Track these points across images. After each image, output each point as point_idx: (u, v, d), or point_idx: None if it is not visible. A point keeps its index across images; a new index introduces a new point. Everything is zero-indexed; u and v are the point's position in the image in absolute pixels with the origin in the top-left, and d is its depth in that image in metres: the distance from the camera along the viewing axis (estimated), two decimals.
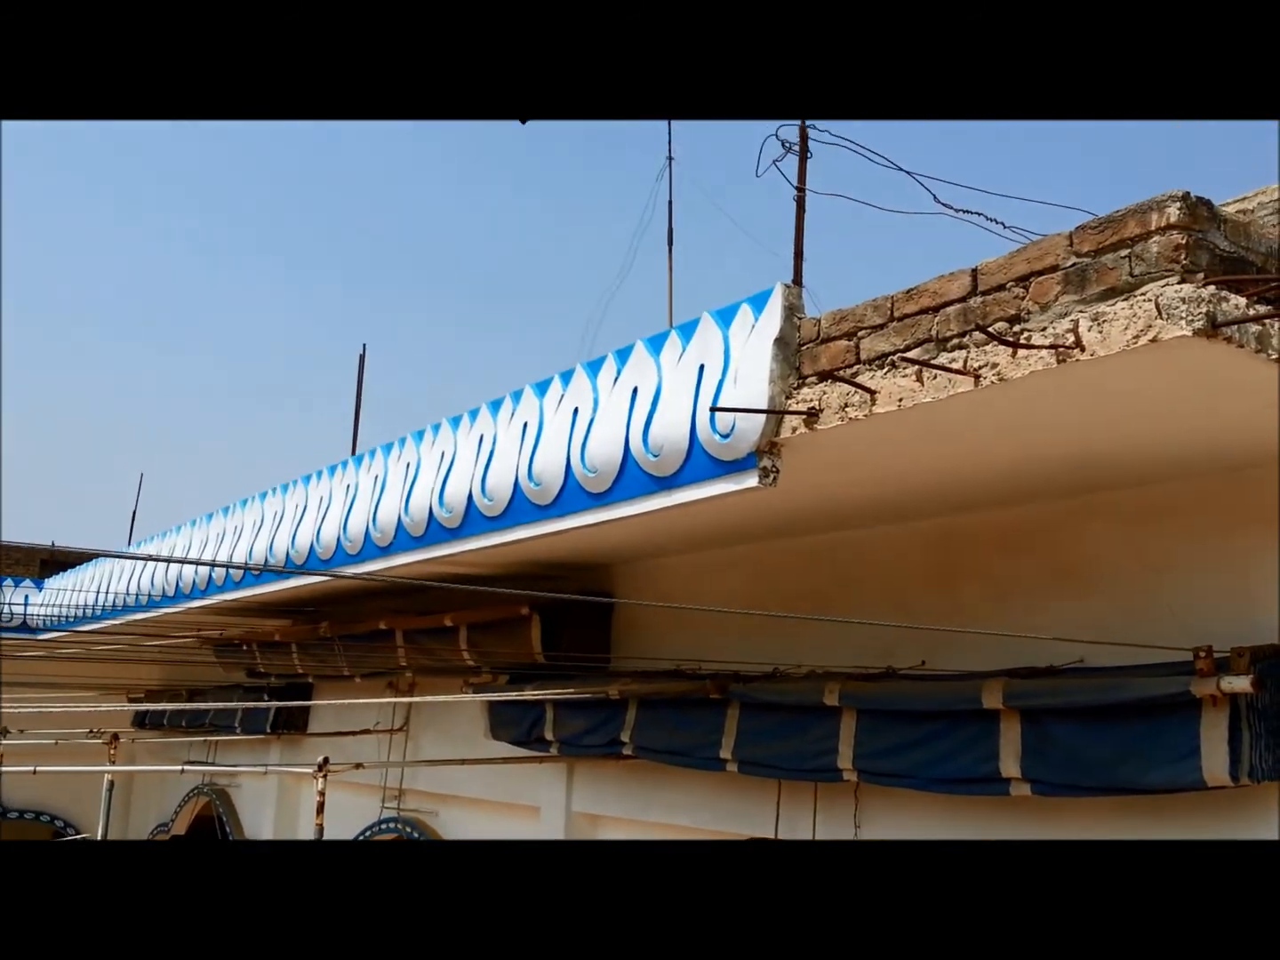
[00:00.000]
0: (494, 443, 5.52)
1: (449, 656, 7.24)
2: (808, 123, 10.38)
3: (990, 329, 3.36)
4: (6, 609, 13.02)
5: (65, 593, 11.81)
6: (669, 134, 9.80)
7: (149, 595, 9.58)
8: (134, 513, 17.23)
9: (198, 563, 8.96)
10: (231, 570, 8.13)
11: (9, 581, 13.27)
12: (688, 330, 4.44)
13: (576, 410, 4.95)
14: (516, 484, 5.25)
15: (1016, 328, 3.34)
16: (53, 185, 39.31)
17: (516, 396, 5.46)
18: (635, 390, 4.61)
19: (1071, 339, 3.15)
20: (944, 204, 10.35)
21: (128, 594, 10.04)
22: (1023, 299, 3.35)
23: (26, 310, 38.71)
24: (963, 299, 3.53)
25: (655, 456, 4.44)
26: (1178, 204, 3.03)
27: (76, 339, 39.66)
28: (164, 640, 9.93)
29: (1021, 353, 3.27)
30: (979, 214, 10.17)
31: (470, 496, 5.59)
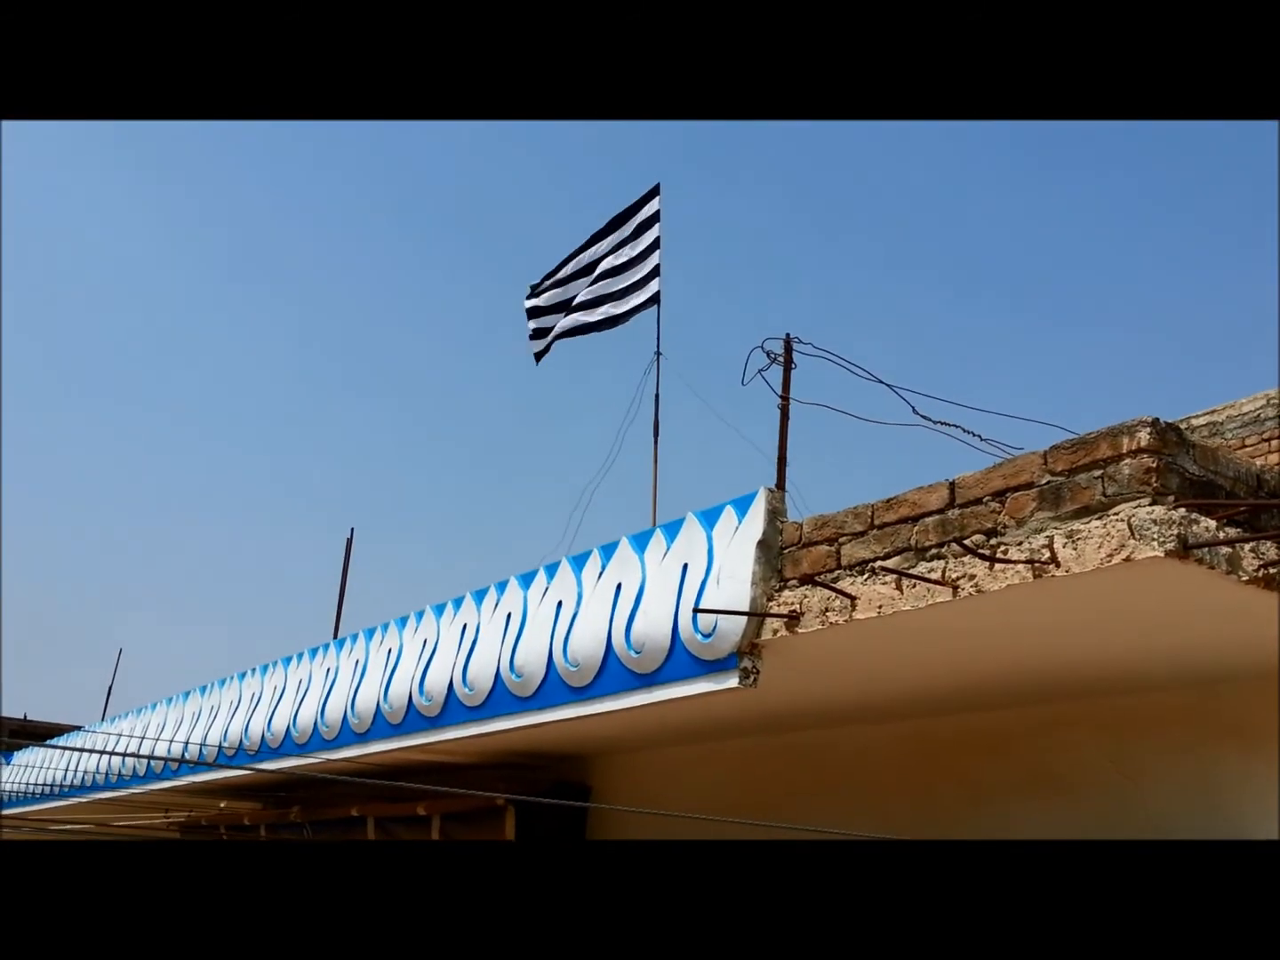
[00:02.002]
0: (477, 632, 5.52)
1: None
2: (792, 336, 10.77)
3: (968, 541, 3.43)
4: None
5: (34, 769, 11.52)
6: (658, 328, 10.13)
7: (119, 774, 9.36)
8: (110, 687, 16.93)
9: (159, 757, 8.80)
10: (204, 753, 7.97)
11: None
12: (672, 529, 4.50)
13: (560, 604, 4.97)
14: (498, 675, 5.22)
15: (993, 541, 3.41)
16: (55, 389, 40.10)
17: (501, 587, 5.48)
18: (619, 586, 4.65)
19: (1047, 554, 3.21)
20: (922, 415, 10.70)
21: (97, 771, 9.81)
22: (999, 513, 3.43)
23: (14, 475, 38.97)
24: (941, 510, 3.60)
25: (637, 653, 4.44)
26: (1148, 429, 3.14)
27: (70, 503, 39.82)
28: (131, 821, 9.65)
29: (999, 566, 3.33)
30: (956, 426, 10.51)
31: (451, 685, 5.55)
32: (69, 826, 9.52)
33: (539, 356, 10.95)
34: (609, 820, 6.47)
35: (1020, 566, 3.27)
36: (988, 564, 3.34)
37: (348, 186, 40.62)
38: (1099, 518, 3.16)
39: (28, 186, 38.76)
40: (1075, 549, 3.15)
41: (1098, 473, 3.22)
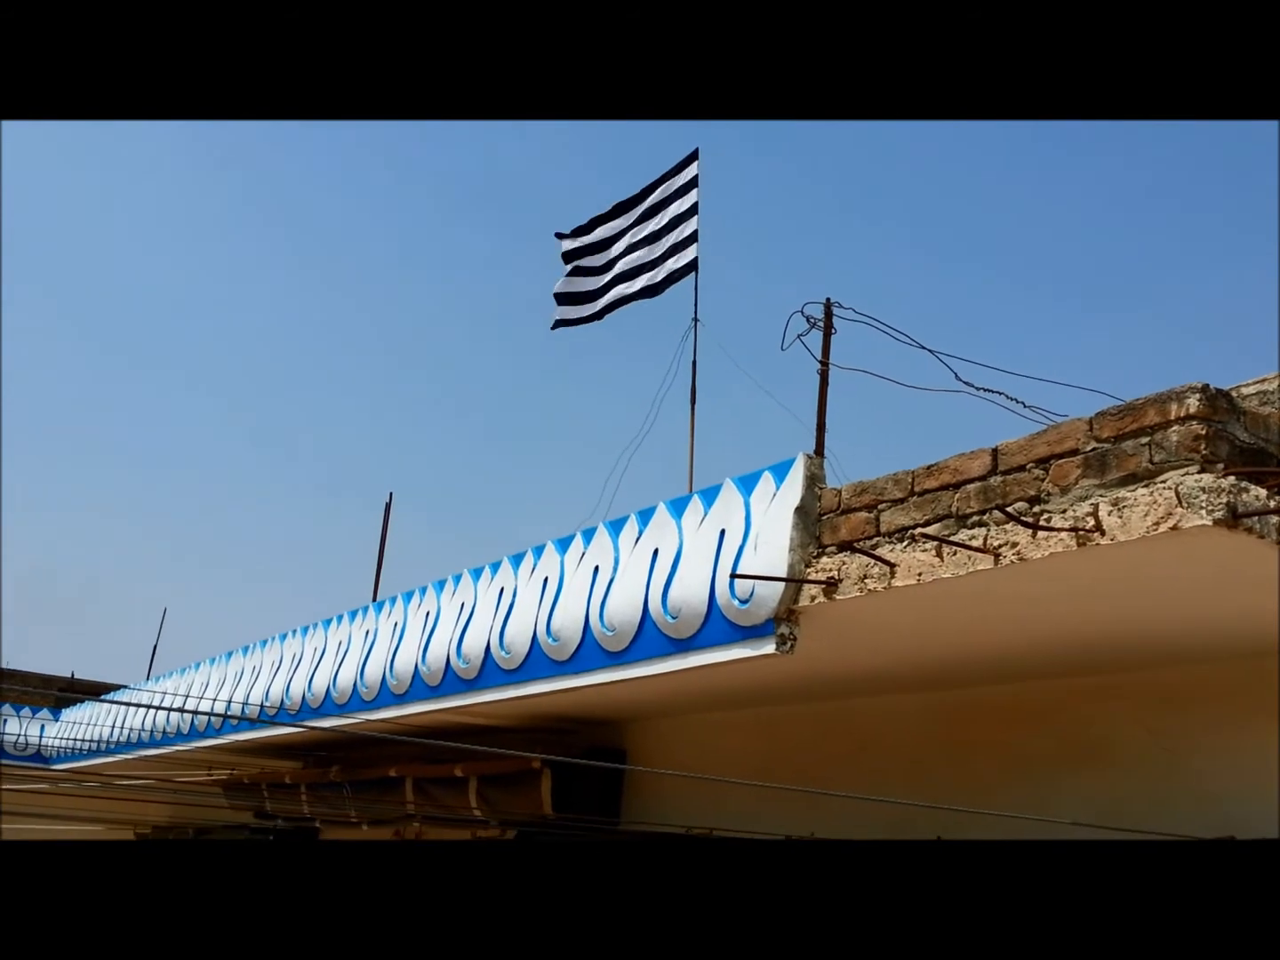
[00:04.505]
0: (514, 596, 5.53)
1: (458, 808, 7.11)
2: (833, 300, 10.65)
3: (1010, 509, 3.38)
4: (21, 738, 12.95)
5: (81, 725, 11.75)
6: (695, 294, 10.02)
7: (163, 731, 9.51)
8: (155, 647, 17.18)
9: (209, 713, 8.92)
10: (246, 711, 8.07)
11: (26, 710, 13.23)
12: (710, 495, 4.47)
13: (597, 568, 4.97)
14: (535, 639, 5.23)
15: (1036, 508, 3.35)
16: (81, 348, 40.56)
17: (538, 551, 5.48)
18: (656, 552, 4.63)
19: (1092, 522, 3.16)
20: (965, 382, 10.53)
21: (142, 729, 9.97)
22: (1043, 480, 3.37)
23: (64, 439, 39.53)
24: (983, 477, 3.55)
25: (674, 618, 4.43)
26: (1197, 395, 3.07)
27: (111, 470, 40.33)
28: (175, 777, 9.81)
29: (1041, 534, 3.27)
30: (999, 393, 10.32)
31: (488, 649, 5.57)
32: (132, 782, 9.68)
33: (563, 323, 10.83)
34: (644, 784, 6.49)
35: (1064, 534, 3.21)
36: (1030, 532, 3.29)
37: (385, 165, 40.62)
38: (1145, 485, 3.10)
39: (77, 180, 39.07)
40: (1121, 517, 3.09)
41: (1145, 440, 3.15)
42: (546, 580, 5.32)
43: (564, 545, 5.31)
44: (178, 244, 40.71)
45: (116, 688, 13.74)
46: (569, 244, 11.10)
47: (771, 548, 4.04)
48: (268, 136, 40.67)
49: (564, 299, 11.00)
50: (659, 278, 10.46)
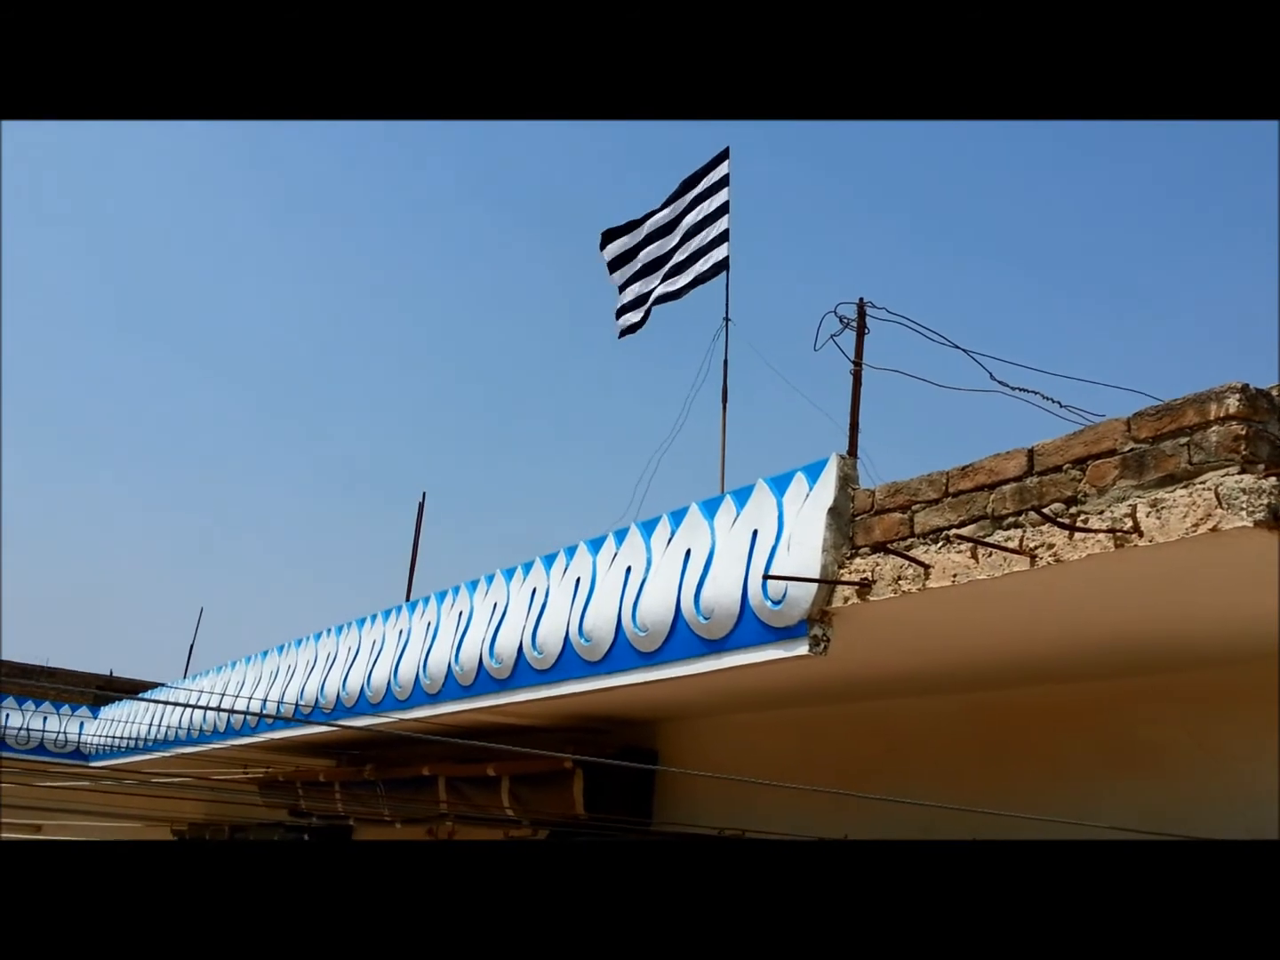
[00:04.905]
0: (546, 596, 5.53)
1: (490, 807, 7.13)
2: (865, 300, 10.58)
3: (1047, 510, 3.35)
4: (61, 734, 13.10)
5: (119, 723, 11.87)
6: (726, 294, 9.99)
7: (200, 729, 9.60)
8: (191, 646, 17.33)
9: (244, 712, 8.99)
10: (281, 710, 8.13)
11: (66, 708, 13.39)
12: (742, 496, 4.46)
13: (630, 569, 4.96)
14: (567, 639, 5.23)
15: (1073, 509, 3.32)
16: (119, 346, 40.97)
17: (570, 552, 5.48)
18: (689, 552, 4.62)
19: (1130, 524, 3.12)
20: (999, 381, 10.40)
21: (179, 727, 10.06)
22: (1080, 481, 3.34)
23: (103, 443, 40.01)
24: (1019, 478, 3.52)
25: (706, 619, 4.42)
26: (1237, 395, 3.02)
27: (147, 470, 40.77)
28: (211, 775, 9.90)
29: (1079, 535, 3.24)
30: (1035, 392, 10.18)
31: (520, 648, 5.57)
32: (171, 780, 9.78)
33: (627, 331, 10.86)
34: (676, 785, 6.48)
35: (1101, 536, 3.18)
36: (1067, 533, 3.26)
37: (433, 171, 40.86)
38: (1184, 486, 3.06)
39: (147, 179, 39.50)
40: (1159, 518, 3.06)
41: (1184, 440, 3.11)
42: (579, 580, 5.33)
43: (596, 546, 5.31)
44: (222, 243, 41.14)
45: (154, 686, 13.88)
46: (612, 250, 11.12)
47: (804, 548, 4.02)
48: (314, 138, 40.96)
49: (623, 310, 11.05)
50: (690, 277, 10.44)
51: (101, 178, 40.54)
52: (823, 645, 4.02)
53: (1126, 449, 3.24)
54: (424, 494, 13.83)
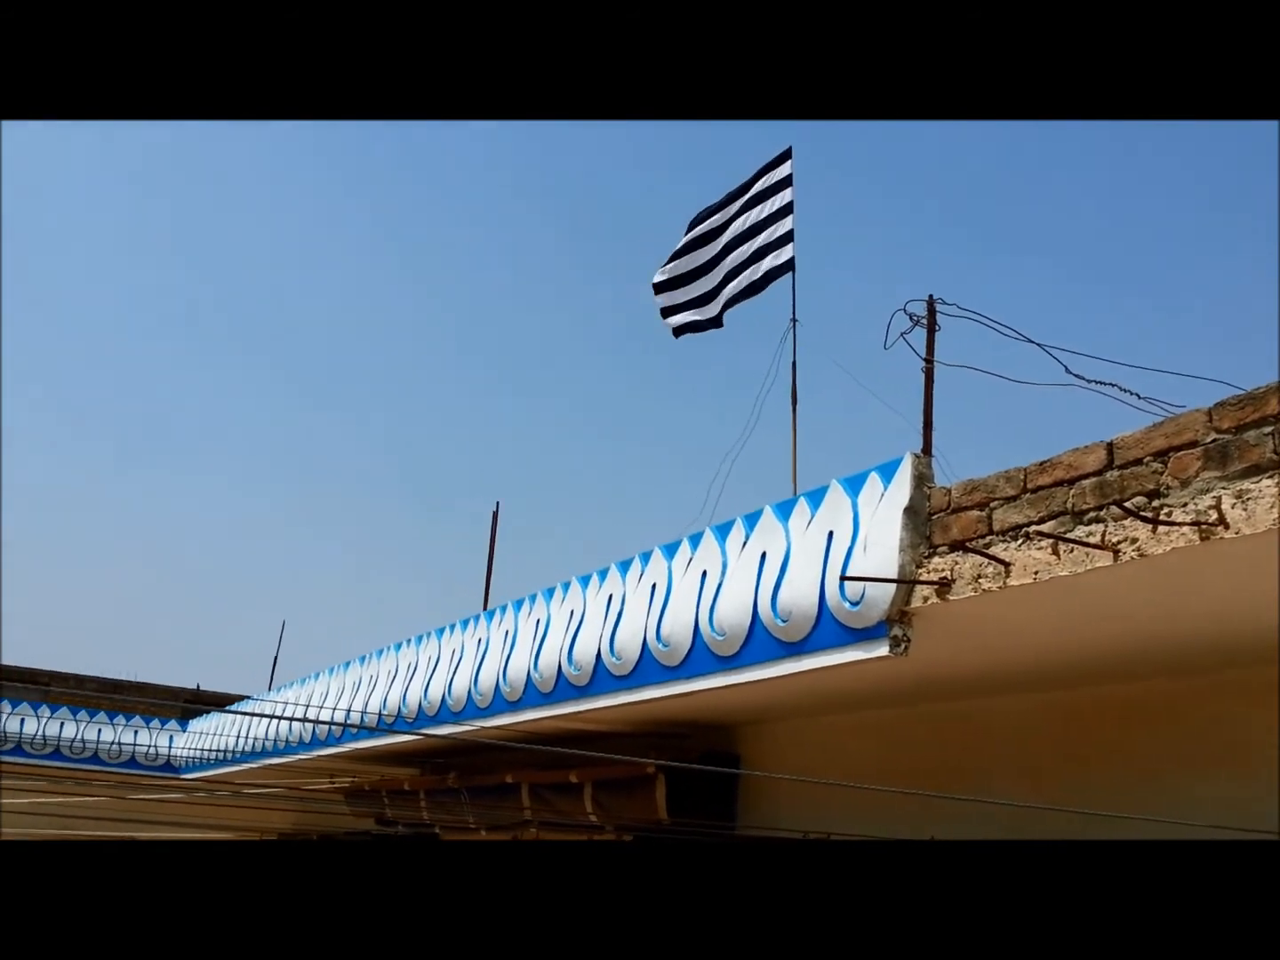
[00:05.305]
0: (623, 603, 5.57)
1: (574, 813, 7.18)
2: (935, 296, 10.48)
3: (1128, 504, 3.31)
4: (151, 748, 13.42)
5: (207, 735, 12.14)
6: (793, 295, 9.94)
7: (286, 741, 9.79)
8: (275, 658, 17.68)
9: (329, 723, 9.14)
10: (364, 719, 8.26)
11: (155, 722, 13.72)
12: (816, 497, 4.46)
13: (705, 573, 4.98)
14: (645, 645, 5.27)
15: (1156, 503, 3.28)
16: (183, 348, 41.85)
17: (645, 558, 5.51)
18: (764, 555, 4.63)
19: (1214, 516, 3.08)
20: (1075, 374, 10.23)
21: (265, 738, 10.27)
22: (1161, 474, 3.29)
23: (185, 452, 40.91)
24: (1099, 472, 3.48)
25: (784, 622, 4.42)
26: None
27: (233, 485, 41.58)
28: (299, 785, 10.08)
29: (1162, 528, 3.20)
30: (1112, 384, 10.01)
31: (599, 655, 5.62)
32: (261, 791, 9.98)
33: (687, 329, 10.81)
34: (758, 789, 6.48)
35: (1185, 528, 3.14)
36: (1150, 526, 3.22)
37: (493, 183, 41.31)
38: (1270, 476, 3.00)
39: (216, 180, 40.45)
40: (1245, 509, 3.01)
41: (1268, 429, 3.05)
42: (655, 586, 5.36)
43: (671, 551, 5.33)
44: (305, 259, 41.91)
45: (240, 699, 14.18)
46: (661, 274, 11.09)
47: (881, 549, 4.01)
48: (395, 160, 41.62)
49: (674, 310, 10.98)
50: (755, 276, 10.38)
51: (180, 180, 41.52)
52: (903, 646, 4.00)
53: (1209, 440, 3.19)
54: (498, 503, 13.97)
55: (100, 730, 13.38)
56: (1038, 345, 10.39)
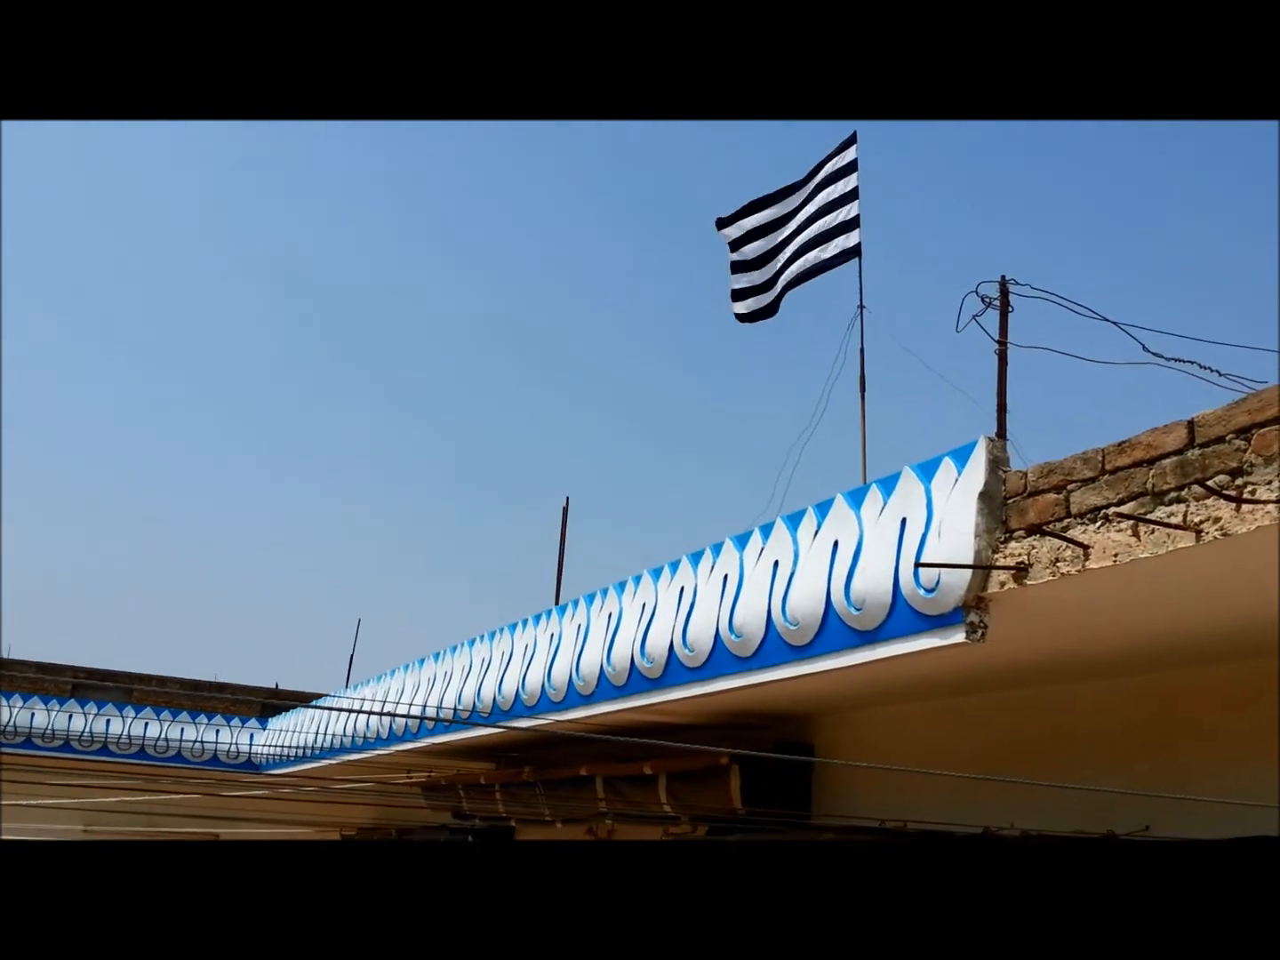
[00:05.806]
0: (694, 594, 5.57)
1: (648, 805, 7.21)
2: (1008, 277, 10.31)
3: (1211, 483, 3.24)
4: (233, 746, 13.70)
5: (286, 733, 12.35)
6: (860, 281, 9.83)
7: (364, 737, 9.93)
8: (351, 655, 17.91)
9: (408, 716, 9.25)
10: (440, 714, 8.36)
11: (236, 720, 14.00)
12: (888, 484, 4.42)
13: (777, 563, 4.97)
14: (717, 636, 5.26)
15: (1239, 481, 3.21)
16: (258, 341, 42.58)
17: (716, 549, 5.51)
18: (836, 544, 4.60)
19: None
20: (1153, 353, 9.98)
21: (343, 735, 10.43)
22: (1244, 451, 3.22)
23: (263, 456, 41.66)
24: (1179, 451, 3.41)
25: (857, 610, 4.40)
26: None
27: (308, 484, 42.24)
28: (377, 780, 10.23)
29: (1246, 507, 3.13)
30: (1191, 361, 9.75)
31: (671, 647, 5.63)
32: (342, 786, 10.14)
33: (753, 317, 10.78)
34: (833, 778, 6.45)
35: (1270, 507, 3.07)
36: (1234, 505, 3.15)
37: (553, 183, 41.53)
38: None
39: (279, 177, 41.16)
40: None
41: None
42: (726, 577, 5.35)
43: (742, 542, 5.32)
44: (372, 257, 42.45)
45: (318, 696, 14.40)
46: (732, 231, 11.04)
47: (956, 534, 3.97)
48: (459, 162, 42.04)
49: (739, 295, 10.97)
50: (821, 258, 10.29)
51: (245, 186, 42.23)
52: (980, 632, 3.96)
53: None
54: (567, 499, 14.01)
55: (183, 729, 13.69)
56: (1114, 324, 10.17)
